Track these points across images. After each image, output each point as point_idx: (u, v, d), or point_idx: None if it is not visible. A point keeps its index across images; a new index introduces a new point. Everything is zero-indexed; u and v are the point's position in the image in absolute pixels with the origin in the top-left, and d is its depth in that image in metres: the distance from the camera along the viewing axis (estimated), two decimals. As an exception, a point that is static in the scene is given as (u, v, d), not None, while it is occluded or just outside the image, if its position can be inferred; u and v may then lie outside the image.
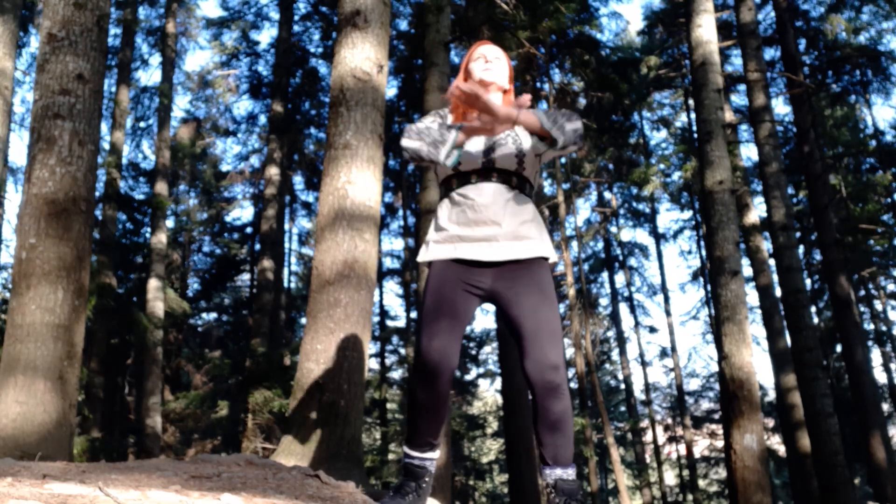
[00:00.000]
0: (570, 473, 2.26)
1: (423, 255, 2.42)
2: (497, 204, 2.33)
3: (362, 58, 4.54)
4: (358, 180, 4.36)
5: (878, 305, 19.95)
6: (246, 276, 18.55)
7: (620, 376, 24.01)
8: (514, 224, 2.34)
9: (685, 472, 23.18)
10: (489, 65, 2.54)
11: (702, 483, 22.39)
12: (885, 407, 19.54)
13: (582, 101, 12.39)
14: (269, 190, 13.36)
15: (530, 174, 2.45)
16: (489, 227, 2.32)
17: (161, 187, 13.08)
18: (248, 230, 18.20)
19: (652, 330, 23.45)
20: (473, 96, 2.21)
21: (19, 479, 1.90)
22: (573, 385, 18.87)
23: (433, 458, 2.35)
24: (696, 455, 21.63)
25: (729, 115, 12.60)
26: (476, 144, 2.42)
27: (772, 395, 20.49)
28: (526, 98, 2.38)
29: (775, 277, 12.11)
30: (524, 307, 2.29)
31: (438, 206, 2.48)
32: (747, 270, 14.37)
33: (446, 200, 2.44)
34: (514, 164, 2.39)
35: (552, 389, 2.24)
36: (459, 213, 2.37)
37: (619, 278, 23.20)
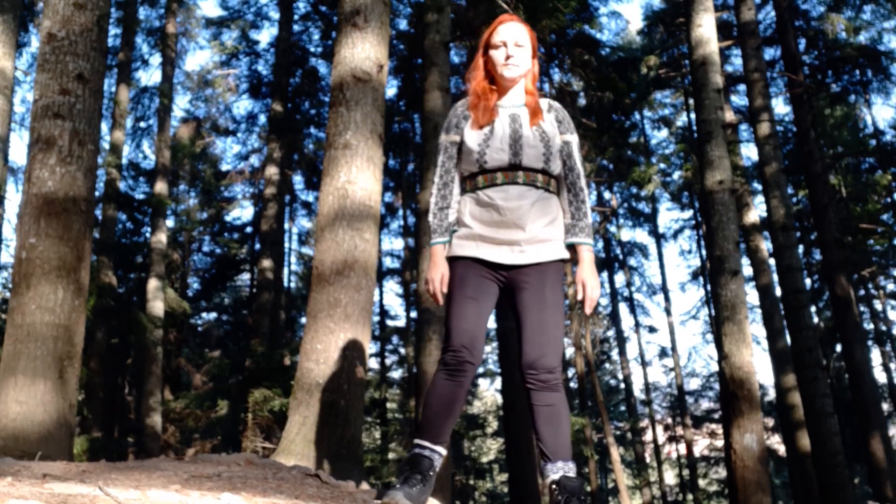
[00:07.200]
0: (570, 468, 2.29)
1: (446, 251, 2.46)
2: (522, 208, 2.35)
3: (362, 57, 4.54)
4: (358, 180, 4.37)
5: (878, 305, 19.95)
6: (246, 276, 18.54)
7: (620, 376, 24.00)
8: (538, 228, 2.36)
9: (685, 472, 23.20)
10: (512, 59, 2.43)
11: (702, 483, 22.39)
12: (885, 407, 19.53)
13: (582, 101, 12.38)
14: (268, 189, 13.36)
15: (555, 169, 2.46)
16: (513, 230, 2.35)
17: (161, 187, 13.08)
18: (248, 230, 18.18)
19: (652, 330, 23.46)
20: None
21: (19, 479, 1.90)
22: (573, 385, 18.87)
23: (441, 453, 2.37)
24: (696, 455, 21.63)
25: (729, 115, 12.59)
26: (502, 142, 2.40)
27: (772, 395, 20.48)
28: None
29: (775, 277, 12.10)
30: (531, 309, 2.34)
31: (460, 200, 2.48)
32: (747, 270, 14.36)
33: (469, 196, 2.43)
34: (541, 161, 2.40)
35: (545, 387, 2.30)
36: (483, 212, 2.38)
37: (619, 278, 23.22)
